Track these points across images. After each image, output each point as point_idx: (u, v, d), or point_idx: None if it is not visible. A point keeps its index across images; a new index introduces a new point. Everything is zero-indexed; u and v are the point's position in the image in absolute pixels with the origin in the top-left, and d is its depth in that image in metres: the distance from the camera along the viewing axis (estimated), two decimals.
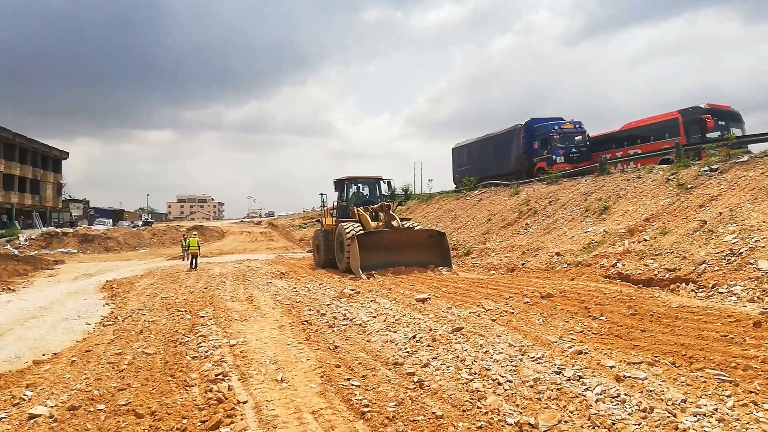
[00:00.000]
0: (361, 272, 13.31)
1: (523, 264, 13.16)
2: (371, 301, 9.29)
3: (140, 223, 60.30)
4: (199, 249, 19.38)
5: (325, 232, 16.93)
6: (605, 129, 23.77)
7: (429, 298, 8.94)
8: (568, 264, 11.71)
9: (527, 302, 8.03)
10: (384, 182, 17.19)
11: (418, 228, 15.11)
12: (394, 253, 14.02)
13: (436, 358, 5.73)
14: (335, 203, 17.35)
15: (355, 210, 15.98)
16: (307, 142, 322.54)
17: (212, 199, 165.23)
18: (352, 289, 10.55)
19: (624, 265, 10.18)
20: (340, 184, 17.06)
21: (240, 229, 51.68)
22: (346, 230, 14.68)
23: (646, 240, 10.84)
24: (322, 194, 18.27)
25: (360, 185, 17.49)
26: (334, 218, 16.66)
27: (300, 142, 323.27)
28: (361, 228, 14.96)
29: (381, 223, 15.04)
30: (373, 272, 13.31)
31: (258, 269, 17.14)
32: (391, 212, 15.04)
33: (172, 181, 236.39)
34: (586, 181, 17.36)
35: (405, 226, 14.80)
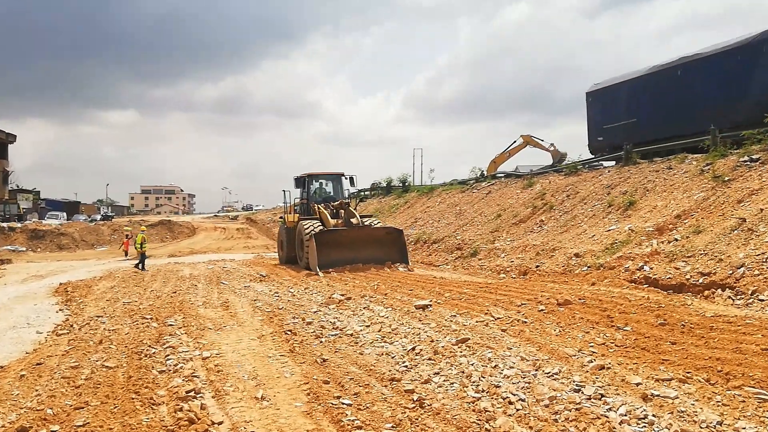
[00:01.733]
0: (318, 270, 15.21)
1: (538, 266, 13.22)
2: (364, 308, 9.31)
3: (98, 217, 60.06)
4: (143, 247, 19.35)
5: (287, 229, 18.99)
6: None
7: (430, 305, 8.97)
8: (589, 267, 11.76)
9: (542, 310, 8.06)
10: (346, 178, 18.82)
11: (376, 225, 17.27)
12: (352, 250, 15.94)
13: (438, 373, 5.75)
14: (297, 200, 19.45)
15: (316, 207, 17.92)
16: (291, 124, 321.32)
17: (181, 190, 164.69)
18: (343, 295, 10.57)
19: (652, 269, 10.23)
20: (301, 181, 18.92)
21: (213, 225, 51.53)
22: (305, 228, 16.79)
23: (677, 240, 10.89)
24: (284, 191, 20.12)
25: (322, 182, 19.67)
26: (297, 215, 18.58)
27: (284, 124, 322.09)
28: (321, 226, 17.00)
29: (341, 221, 17.07)
30: (331, 270, 15.26)
31: (234, 271, 17.13)
32: (351, 209, 17.12)
33: (135, 170, 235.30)
34: (609, 171, 17.42)
35: (365, 223, 16.88)
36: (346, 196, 19.11)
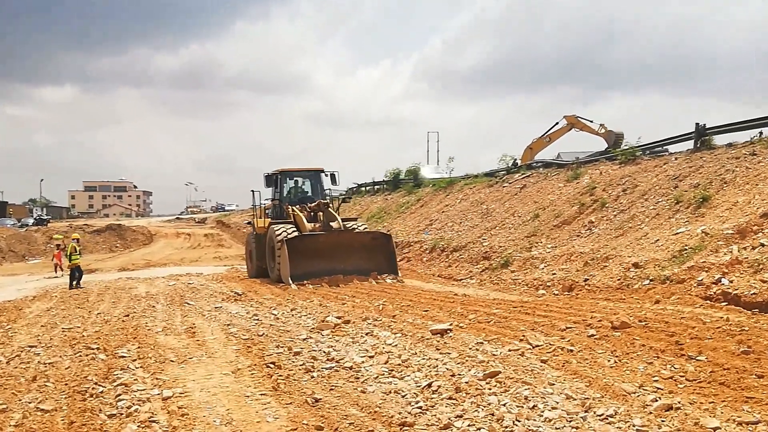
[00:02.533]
0: (291, 282, 16.09)
1: (586, 280, 13.21)
2: (367, 333, 9.33)
3: (31, 221, 60.38)
4: (71, 260, 19.10)
5: (257, 235, 19.98)
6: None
7: (450, 330, 8.97)
8: (651, 280, 11.73)
9: (592, 336, 8.05)
10: (327, 175, 19.76)
11: (361, 229, 18.21)
12: (332, 258, 16.82)
13: (461, 416, 5.74)
14: (269, 201, 20.33)
15: (291, 209, 18.81)
16: (273, 102, 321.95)
17: (134, 187, 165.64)
18: (339, 317, 10.60)
19: (732, 282, 10.19)
20: (272, 179, 19.64)
21: (176, 230, 51.79)
22: (277, 233, 17.52)
23: (763, 245, 10.84)
24: (253, 191, 20.86)
25: (298, 179, 20.63)
26: (269, 219, 19.53)
27: (263, 102, 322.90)
28: (295, 230, 17.81)
29: (318, 225, 17.96)
30: (306, 282, 16.12)
31: (202, 288, 17.20)
32: (331, 211, 18.06)
33: (76, 162, 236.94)
34: (676, 159, 17.39)
35: (347, 227, 17.84)
36: (326, 196, 19.87)
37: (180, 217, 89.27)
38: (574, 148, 30.96)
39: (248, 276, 20.63)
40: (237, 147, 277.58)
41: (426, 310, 11.15)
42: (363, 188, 42.11)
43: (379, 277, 16.86)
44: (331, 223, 17.76)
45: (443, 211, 25.30)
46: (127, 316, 12.30)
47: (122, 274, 23.70)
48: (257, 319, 11.28)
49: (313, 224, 18.08)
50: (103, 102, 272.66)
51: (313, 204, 18.69)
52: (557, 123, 28.07)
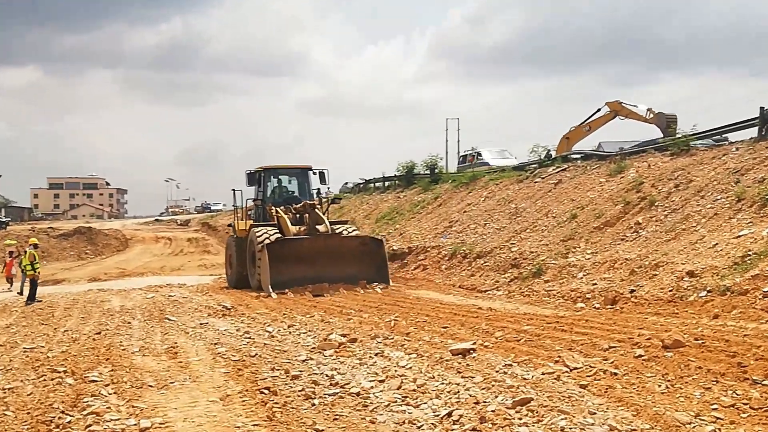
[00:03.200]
0: (270, 290, 17.15)
1: (632, 291, 13.16)
2: (376, 354, 9.34)
3: None
4: (35, 270, 19.13)
5: (237, 239, 21.13)
6: None
7: (474, 350, 8.96)
8: (709, 291, 11.66)
9: (640, 356, 8.01)
10: (315, 173, 21.01)
11: (351, 233, 19.45)
12: (317, 265, 17.86)
13: None
14: (251, 202, 21.59)
15: (274, 211, 20.01)
16: (266, 86, 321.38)
17: (107, 184, 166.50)
18: (344, 335, 10.61)
19: None
20: (255, 177, 20.92)
21: (155, 234, 51.97)
22: (258, 236, 18.61)
23: None
24: (234, 190, 21.85)
25: (282, 178, 21.84)
26: (252, 221, 20.75)
27: (255, 86, 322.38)
28: (278, 233, 18.85)
29: (304, 228, 18.92)
30: (288, 290, 17.21)
31: (185, 301, 17.28)
32: (318, 213, 19.11)
33: (39, 155, 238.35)
34: (737, 150, 17.28)
35: (335, 231, 19.02)
36: (313, 196, 20.76)
37: (159, 218, 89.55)
38: (616, 137, 30.87)
39: (228, 285, 21.67)
40: (224, 138, 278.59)
41: (445, 327, 11.13)
42: (371, 185, 42.18)
43: (368, 285, 17.94)
44: (317, 227, 18.70)
45: (465, 211, 25.28)
46: (99, 333, 12.36)
47: (93, 285, 23.85)
48: (249, 338, 11.31)
49: (298, 227, 19.03)
50: (70, 85, 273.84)
51: (298, 205, 19.54)
52: (598, 110, 27.96)
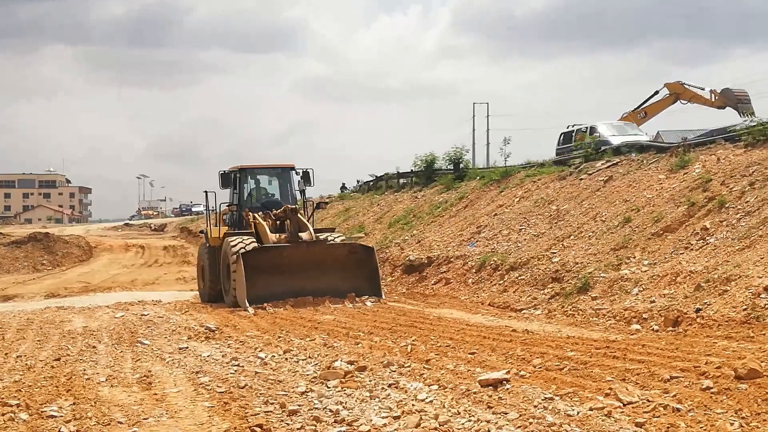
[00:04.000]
0: (247, 304, 18.05)
1: (698, 310, 13.08)
2: (390, 385, 9.30)
3: None
4: None
5: (211, 249, 22.02)
6: None
7: (507, 380, 8.92)
8: None
9: (708, 389, 7.96)
10: (298, 174, 22.12)
11: (335, 240, 20.46)
12: (299, 276, 18.87)
13: None
14: (226, 206, 22.50)
15: (251, 216, 20.83)
16: (258, 64, 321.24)
17: (67, 182, 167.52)
18: (352, 362, 10.58)
19: None
20: (229, 179, 21.87)
21: (124, 241, 52.12)
22: (232, 246, 19.35)
23: None
24: (206, 192, 22.89)
25: (261, 179, 23.02)
26: (228, 228, 21.77)
27: (244, 65, 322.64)
28: (254, 242, 19.66)
29: (285, 236, 19.79)
30: (266, 304, 18.11)
31: (161, 321, 17.29)
32: (301, 218, 20.13)
33: None
34: None
35: (318, 238, 19.99)
36: (296, 199, 21.66)
37: (130, 222, 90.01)
38: (678, 125, 30.68)
39: (200, 300, 22.47)
40: (207, 127, 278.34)
41: (473, 353, 11.09)
42: (383, 182, 42.19)
43: (357, 299, 18.87)
44: (300, 234, 19.45)
45: (496, 214, 25.24)
46: (58, 360, 12.33)
47: (51, 302, 23.83)
48: (238, 365, 11.26)
49: (278, 235, 19.84)
50: (22, 65, 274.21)
51: (278, 210, 20.26)
52: (656, 92, 27.94)
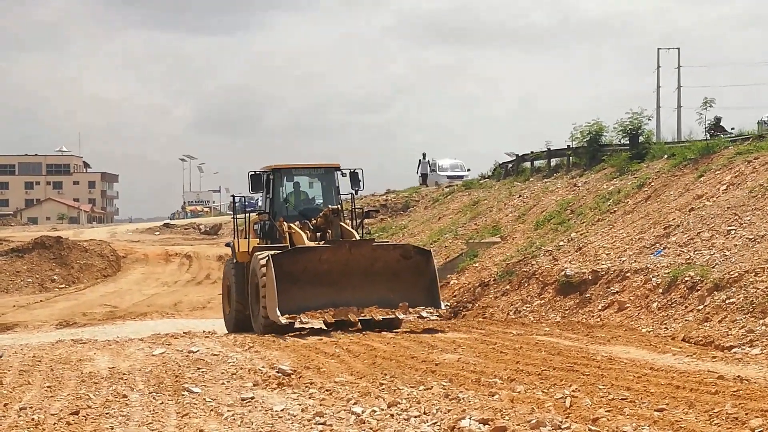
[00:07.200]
0: (278, 313, 19.73)
1: None
2: None
3: None
4: None
5: (238, 266, 24.13)
6: None
7: None
8: None
9: None
10: (344, 175, 24.32)
11: (382, 243, 23.22)
12: (341, 284, 20.96)
13: None
14: (256, 214, 24.88)
15: (286, 226, 22.89)
16: (336, 4, 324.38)
17: (85, 166, 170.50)
18: (486, 421, 10.52)
19: None
20: (260, 181, 24.08)
21: (163, 249, 52.55)
22: (261, 259, 21.07)
23: None
24: (233, 197, 25.46)
25: (300, 181, 25.19)
26: (258, 240, 23.86)
27: (311, 6, 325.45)
28: None
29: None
30: (303, 316, 20.12)
31: (217, 361, 17.46)
32: (344, 225, 22.25)
33: None
34: None
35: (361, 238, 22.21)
36: (340, 201, 23.44)
37: (171, 222, 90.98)
38: None
39: (226, 328, 24.57)
40: (274, 87, 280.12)
41: (661, 409, 10.93)
42: (527, 164, 41.89)
43: (410, 310, 20.75)
44: (341, 238, 21.73)
45: (692, 209, 24.85)
46: (76, 414, 12.47)
47: (65, 332, 24.29)
48: (324, 424, 11.32)
49: (317, 244, 21.85)
50: (17, 16, 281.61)
51: (318, 217, 22.05)
52: None
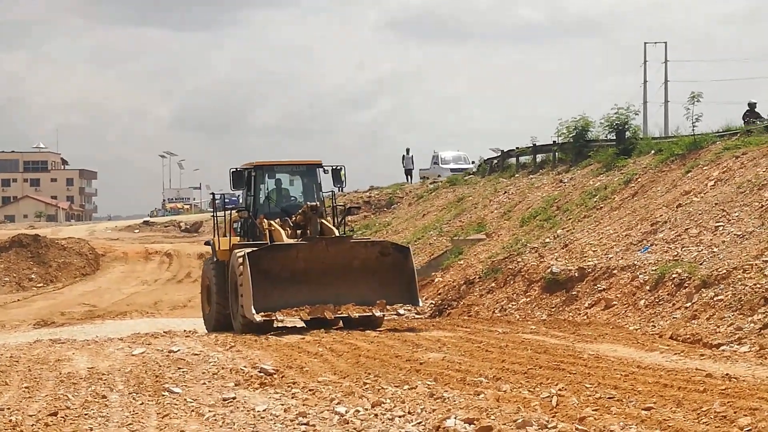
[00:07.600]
0: (253, 311, 20.22)
1: None
2: None
3: None
4: None
5: (218, 264, 24.44)
6: None
7: None
8: None
9: None
10: (326, 172, 24.95)
11: (361, 239, 23.72)
12: (318, 282, 21.39)
13: None
14: (236, 212, 25.54)
15: (267, 224, 23.18)
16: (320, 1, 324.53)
17: (63, 163, 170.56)
18: (471, 421, 10.49)
19: None
20: (242, 178, 24.63)
21: (143, 247, 52.73)
22: (239, 257, 21.34)
23: None
24: (213, 194, 26.48)
25: (281, 178, 25.70)
26: (239, 238, 24.47)
27: (295, 3, 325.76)
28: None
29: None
30: (279, 314, 20.67)
31: (198, 360, 17.46)
32: (324, 222, 22.75)
33: None
34: None
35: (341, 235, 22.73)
36: (321, 198, 23.97)
37: (151, 220, 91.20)
38: None
39: (206, 327, 24.82)
40: (258, 84, 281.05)
41: (648, 408, 10.90)
42: (513, 160, 41.94)
43: (389, 307, 21.50)
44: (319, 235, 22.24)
45: (679, 205, 24.93)
46: (55, 415, 12.46)
47: (43, 332, 24.33)
48: (306, 424, 11.29)
49: (297, 241, 22.39)
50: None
51: (298, 214, 22.88)
52: None
